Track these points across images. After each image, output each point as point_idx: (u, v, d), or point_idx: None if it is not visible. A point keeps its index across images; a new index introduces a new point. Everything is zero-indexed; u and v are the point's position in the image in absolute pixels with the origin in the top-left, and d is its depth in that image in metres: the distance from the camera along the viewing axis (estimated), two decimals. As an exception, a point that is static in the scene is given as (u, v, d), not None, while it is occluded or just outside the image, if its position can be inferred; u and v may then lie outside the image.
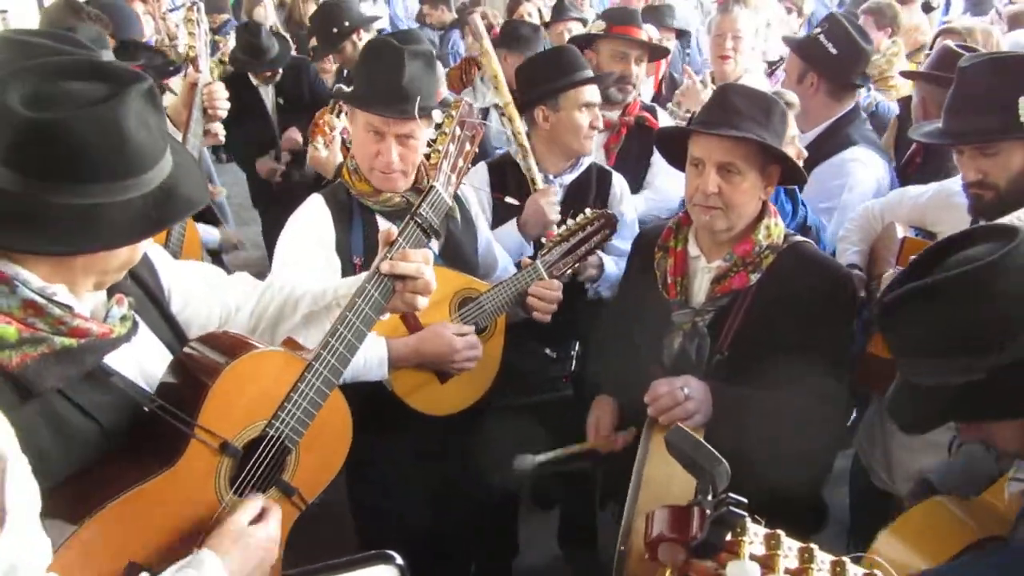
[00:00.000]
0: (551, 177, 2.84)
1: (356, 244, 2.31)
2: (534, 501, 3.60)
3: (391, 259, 1.63)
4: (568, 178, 2.86)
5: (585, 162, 2.88)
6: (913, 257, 1.50)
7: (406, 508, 2.41)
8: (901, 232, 2.44)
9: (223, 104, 2.72)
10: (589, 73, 2.81)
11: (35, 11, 5.74)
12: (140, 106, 1.27)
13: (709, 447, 1.08)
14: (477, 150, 1.88)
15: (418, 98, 2.17)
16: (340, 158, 3.18)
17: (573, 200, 2.76)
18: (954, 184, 2.38)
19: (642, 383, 2.10)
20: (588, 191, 2.85)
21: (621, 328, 2.38)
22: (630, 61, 3.45)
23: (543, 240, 2.61)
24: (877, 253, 2.58)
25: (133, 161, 1.27)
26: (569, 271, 2.50)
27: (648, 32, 3.84)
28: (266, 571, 1.45)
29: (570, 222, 2.51)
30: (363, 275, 1.72)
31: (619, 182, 2.92)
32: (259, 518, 1.46)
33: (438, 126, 1.79)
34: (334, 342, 1.57)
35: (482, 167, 2.93)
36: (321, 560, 1.73)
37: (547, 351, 2.77)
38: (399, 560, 1.44)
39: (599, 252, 2.68)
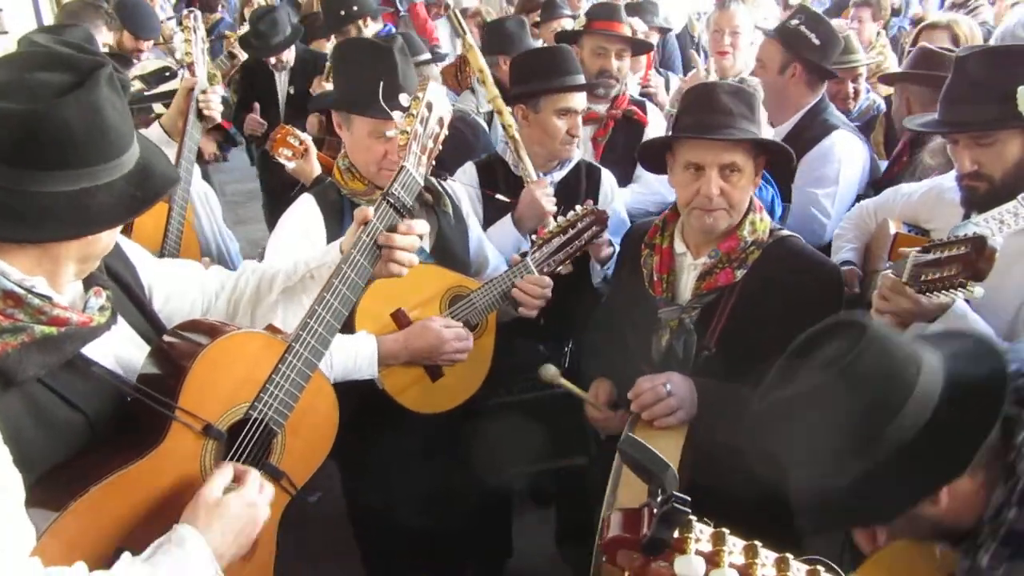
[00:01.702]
0: (540, 174, 2.82)
1: None
2: (531, 499, 3.58)
3: (385, 233, 1.67)
4: (557, 176, 2.85)
5: (573, 159, 2.87)
6: (779, 361, 1.48)
7: (401, 507, 2.40)
8: (894, 228, 2.44)
9: (217, 107, 2.74)
10: (576, 79, 2.77)
11: (30, 9, 5.73)
12: (108, 90, 1.29)
13: (657, 453, 1.11)
14: (447, 132, 1.89)
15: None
16: (318, 168, 3.17)
17: (562, 198, 2.74)
18: (946, 181, 2.38)
19: (633, 381, 2.09)
20: (578, 188, 2.84)
21: (612, 327, 2.37)
22: (610, 56, 3.45)
23: (532, 237, 2.60)
24: (872, 250, 2.59)
25: (114, 143, 1.30)
26: (560, 268, 2.50)
27: (634, 25, 3.83)
28: (251, 536, 1.45)
29: (560, 219, 2.50)
30: (331, 246, 1.78)
31: (608, 179, 2.92)
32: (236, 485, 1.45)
33: (405, 108, 1.79)
34: (313, 323, 1.58)
35: (470, 167, 2.92)
36: (316, 562, 1.73)
37: (540, 348, 2.75)
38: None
39: (609, 236, 2.68)
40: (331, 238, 2.28)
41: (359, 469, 2.39)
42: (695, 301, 2.12)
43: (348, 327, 1.67)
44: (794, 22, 3.19)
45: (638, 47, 3.76)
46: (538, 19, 4.86)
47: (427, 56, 3.62)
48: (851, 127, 3.19)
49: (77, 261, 1.37)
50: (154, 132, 2.72)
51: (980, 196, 2.10)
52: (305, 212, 2.33)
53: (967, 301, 1.89)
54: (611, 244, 2.69)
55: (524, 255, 2.49)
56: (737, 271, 2.09)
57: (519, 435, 2.46)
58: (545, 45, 3.18)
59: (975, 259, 1.72)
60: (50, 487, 1.32)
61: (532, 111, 2.75)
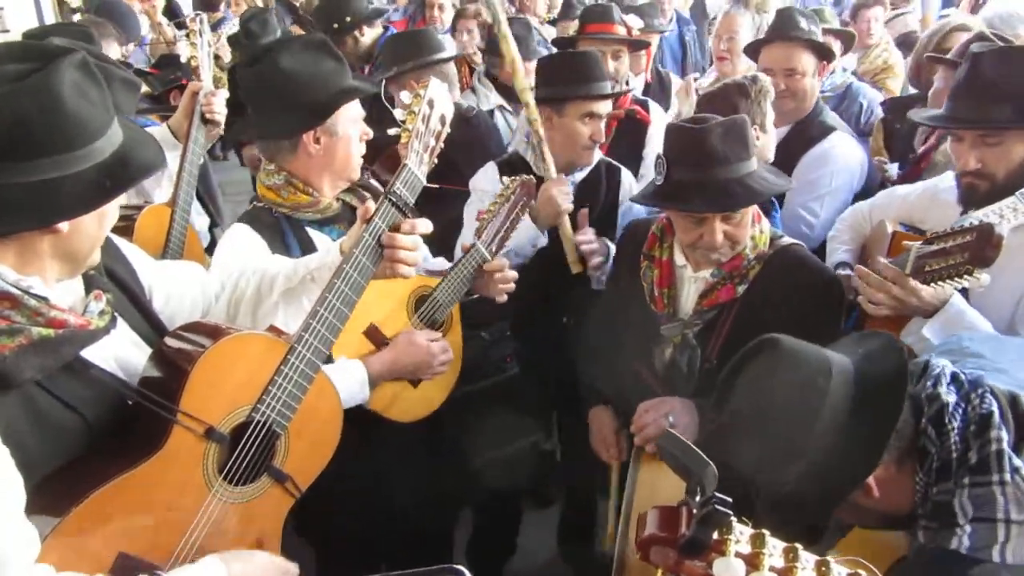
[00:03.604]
0: (561, 175, 2.82)
1: None
2: (533, 499, 3.59)
3: (388, 233, 1.67)
4: (578, 176, 2.86)
5: (594, 159, 2.87)
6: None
7: (388, 511, 2.37)
8: (891, 228, 2.44)
9: (221, 111, 2.74)
10: (602, 87, 2.77)
11: (31, 8, 5.73)
12: (75, 77, 1.25)
13: (697, 450, 1.09)
14: (449, 130, 1.87)
15: None
16: None
17: (583, 197, 2.75)
18: (941, 181, 2.38)
19: (634, 385, 2.11)
20: (598, 188, 2.85)
21: (611, 327, 2.37)
22: (606, 58, 3.40)
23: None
24: (868, 251, 2.58)
25: (77, 132, 1.26)
26: (510, 243, 2.49)
27: (629, 23, 3.82)
28: None
29: (493, 195, 2.49)
30: (331, 247, 1.76)
31: (627, 178, 2.93)
32: None
33: (406, 106, 1.79)
34: (315, 323, 1.57)
35: (491, 167, 2.93)
36: (308, 564, 1.72)
37: (482, 335, 2.74)
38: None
39: (605, 240, 2.69)
40: None
41: (346, 474, 2.37)
42: (696, 317, 2.13)
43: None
44: (806, 27, 3.20)
45: (635, 45, 3.76)
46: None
47: (447, 54, 3.55)
48: (848, 129, 3.20)
49: (59, 258, 1.35)
50: (161, 134, 2.72)
51: (980, 194, 2.09)
52: (242, 240, 2.14)
53: (965, 297, 1.90)
54: (608, 253, 2.69)
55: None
56: (738, 287, 2.09)
57: (488, 423, 2.48)
58: (577, 52, 3.19)
59: (982, 245, 1.72)
60: (51, 492, 1.32)
61: (556, 114, 2.75)
